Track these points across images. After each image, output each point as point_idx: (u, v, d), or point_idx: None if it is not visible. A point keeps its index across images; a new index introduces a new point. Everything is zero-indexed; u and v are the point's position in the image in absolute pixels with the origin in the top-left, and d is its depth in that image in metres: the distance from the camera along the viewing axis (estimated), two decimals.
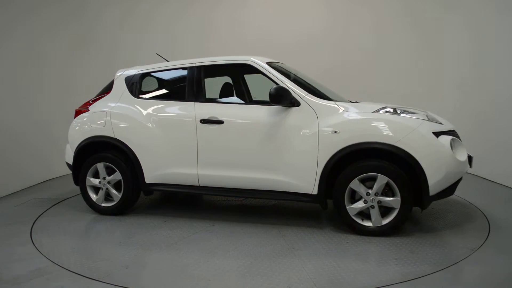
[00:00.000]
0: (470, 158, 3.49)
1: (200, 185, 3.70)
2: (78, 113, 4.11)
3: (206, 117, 3.59)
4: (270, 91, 3.28)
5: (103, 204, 3.98)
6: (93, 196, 4.01)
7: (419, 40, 6.27)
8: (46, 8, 5.78)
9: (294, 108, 3.40)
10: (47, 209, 4.23)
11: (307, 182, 3.34)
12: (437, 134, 3.16)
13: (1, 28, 5.12)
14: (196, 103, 3.71)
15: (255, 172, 3.50)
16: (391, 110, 3.28)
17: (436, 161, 3.09)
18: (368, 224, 3.26)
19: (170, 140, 3.72)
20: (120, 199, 3.91)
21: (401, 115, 3.24)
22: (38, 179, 5.56)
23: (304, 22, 6.65)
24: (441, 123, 3.35)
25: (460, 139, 3.64)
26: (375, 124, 3.19)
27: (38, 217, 3.95)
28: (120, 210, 3.95)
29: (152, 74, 4.05)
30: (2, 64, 5.09)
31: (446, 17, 6.06)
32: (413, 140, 3.09)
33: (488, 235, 3.26)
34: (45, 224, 3.78)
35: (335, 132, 3.24)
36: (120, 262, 2.88)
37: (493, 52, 5.22)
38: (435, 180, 3.09)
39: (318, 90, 3.70)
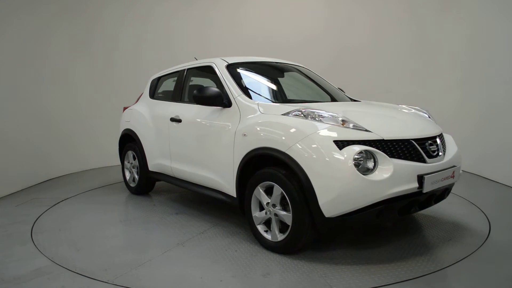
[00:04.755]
0: (420, 178, 2.64)
1: (175, 176, 4.13)
2: (124, 110, 5.18)
3: (173, 116, 3.99)
4: (193, 93, 3.40)
5: (131, 184, 4.93)
6: (127, 178, 5.01)
7: (421, 40, 6.39)
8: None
9: (226, 109, 3.39)
10: (48, 209, 4.22)
11: (230, 184, 3.30)
12: (344, 142, 2.57)
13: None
14: (173, 102, 4.15)
15: (199, 169, 3.67)
16: (299, 113, 2.84)
17: (328, 176, 2.54)
18: (268, 237, 2.96)
19: (157, 135, 4.29)
20: (138, 181, 4.76)
21: (307, 118, 2.77)
22: (38, 178, 5.60)
23: (306, 21, 7.03)
24: (367, 130, 2.66)
25: (440, 146, 2.91)
26: (273, 128, 2.88)
27: (38, 217, 3.93)
28: (139, 191, 4.79)
29: (163, 77, 4.69)
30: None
31: (446, 16, 6.07)
32: (304, 148, 2.64)
33: (488, 235, 3.20)
34: (45, 224, 3.75)
35: (244, 135, 3.08)
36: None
37: (494, 52, 5.18)
38: (326, 199, 2.55)
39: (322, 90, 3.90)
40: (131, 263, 2.78)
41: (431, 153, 2.81)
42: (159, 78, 4.75)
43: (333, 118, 2.72)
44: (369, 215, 2.59)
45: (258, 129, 2.98)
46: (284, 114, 2.91)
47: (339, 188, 2.50)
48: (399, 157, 2.65)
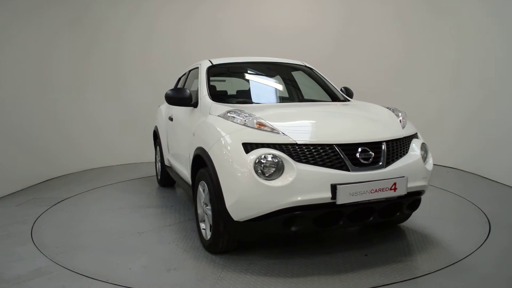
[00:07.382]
0: (333, 188, 2.40)
1: (174, 170, 4.43)
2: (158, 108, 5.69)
3: (170, 115, 4.28)
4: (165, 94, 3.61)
5: (158, 177, 5.41)
6: (157, 170, 5.51)
7: (422, 39, 6.41)
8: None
9: (195, 109, 3.53)
10: (48, 209, 4.21)
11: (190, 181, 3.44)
12: (253, 145, 2.49)
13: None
14: None
15: (180, 164, 3.90)
16: (229, 114, 2.82)
17: (232, 179, 2.51)
18: (204, 235, 3.02)
19: (167, 132, 4.64)
20: (160, 174, 5.21)
21: (232, 120, 2.74)
22: (38, 178, 5.56)
23: (307, 20, 7.06)
24: (282, 133, 2.51)
25: (383, 154, 2.63)
26: (205, 128, 2.95)
27: (38, 217, 3.94)
28: (162, 183, 5.23)
29: (182, 77, 5.00)
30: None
31: (445, 17, 6.10)
32: (218, 149, 2.66)
33: (488, 235, 3.21)
34: (45, 223, 3.76)
35: (193, 134, 3.20)
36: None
37: (494, 52, 5.22)
38: (231, 202, 2.53)
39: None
40: (83, 245, 3.16)
41: (361, 160, 2.51)
42: (179, 79, 5.11)
43: (251, 120, 2.64)
44: (274, 222, 2.46)
45: (200, 128, 3.07)
46: (219, 115, 2.93)
47: (240, 192, 2.45)
48: (315, 163, 2.45)
